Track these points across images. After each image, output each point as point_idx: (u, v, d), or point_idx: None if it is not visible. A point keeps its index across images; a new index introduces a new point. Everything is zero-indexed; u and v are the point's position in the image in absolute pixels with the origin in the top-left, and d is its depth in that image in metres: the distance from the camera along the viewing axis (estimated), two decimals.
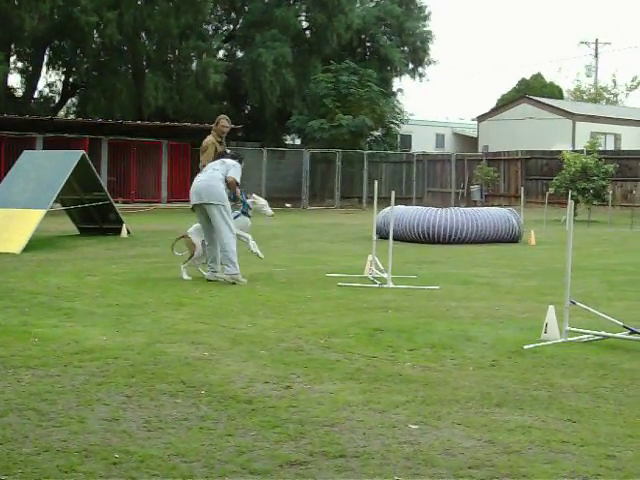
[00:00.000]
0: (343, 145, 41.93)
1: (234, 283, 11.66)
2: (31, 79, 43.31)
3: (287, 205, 39.88)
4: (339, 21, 43.00)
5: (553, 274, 13.19)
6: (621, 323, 7.94)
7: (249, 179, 32.69)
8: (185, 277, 12.05)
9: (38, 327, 8.23)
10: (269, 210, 12.97)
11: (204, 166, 12.98)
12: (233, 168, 12.13)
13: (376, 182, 13.85)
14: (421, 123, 56.45)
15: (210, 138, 13.55)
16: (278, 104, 42.73)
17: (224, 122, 13.65)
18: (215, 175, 12.04)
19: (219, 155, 12.76)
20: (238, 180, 12.17)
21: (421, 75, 50.00)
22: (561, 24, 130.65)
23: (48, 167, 18.56)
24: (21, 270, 13.10)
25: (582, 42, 78.25)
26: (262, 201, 12.80)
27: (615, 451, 4.79)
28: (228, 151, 13.08)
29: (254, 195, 13.01)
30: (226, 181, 11.99)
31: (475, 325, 8.64)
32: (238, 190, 12.29)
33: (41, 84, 45.47)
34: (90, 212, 20.64)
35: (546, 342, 7.72)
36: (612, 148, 46.68)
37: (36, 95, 44.60)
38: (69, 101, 46.81)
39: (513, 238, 20.08)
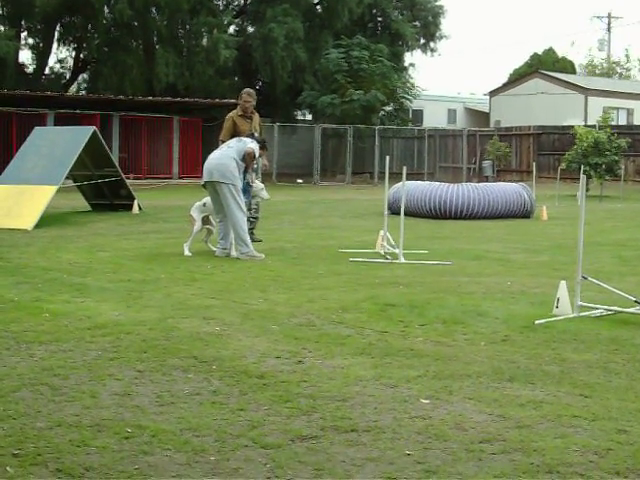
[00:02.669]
0: (354, 120, 41.83)
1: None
2: (42, 55, 43.27)
3: (298, 181, 39.85)
4: None
5: (565, 249, 13.17)
6: (633, 298, 7.93)
7: None
8: (186, 253, 12.04)
9: (50, 303, 8.26)
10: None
11: (222, 141, 12.97)
12: (251, 144, 12.07)
13: (387, 157, 13.82)
14: (433, 98, 56.17)
15: (231, 113, 13.51)
16: (289, 79, 42.58)
17: (245, 96, 13.55)
18: (229, 153, 12.00)
19: (249, 135, 12.69)
20: (257, 154, 12.16)
21: (433, 50, 49.78)
22: None
23: (59, 143, 18.57)
24: (33, 246, 13.13)
25: (595, 16, 77.90)
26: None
27: (627, 426, 4.79)
28: (255, 134, 12.92)
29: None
30: (243, 158, 11.93)
31: (487, 300, 8.64)
32: (254, 166, 12.28)
33: (52, 60, 45.49)
34: (101, 188, 20.66)
35: (558, 317, 7.71)
36: (625, 123, 46.47)
37: (47, 71, 44.59)
38: (80, 77, 46.75)
39: (525, 213, 20.04)
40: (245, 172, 12.12)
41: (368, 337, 6.94)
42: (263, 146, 12.58)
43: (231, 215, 11.84)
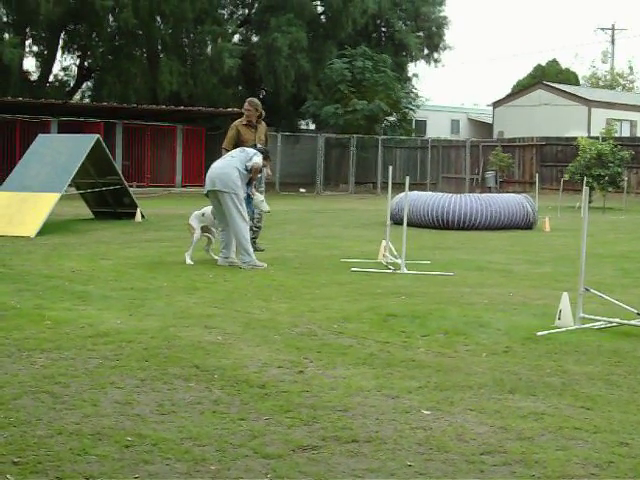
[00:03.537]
0: (358, 130, 41.88)
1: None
2: (46, 63, 43.36)
3: (301, 190, 39.89)
4: (355, 6, 42.86)
5: (567, 261, 13.16)
6: (635, 310, 7.91)
7: None
8: (188, 262, 12.05)
9: (52, 310, 8.26)
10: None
11: (225, 149, 13.00)
12: (255, 156, 12.10)
13: (390, 168, 13.81)
14: (436, 109, 56.32)
15: (236, 121, 13.52)
16: (293, 89, 42.65)
17: (246, 105, 13.54)
18: (232, 162, 12.02)
19: (252, 146, 12.74)
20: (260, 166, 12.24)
21: (436, 60, 49.91)
22: (578, 10, 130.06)
23: (63, 151, 18.59)
24: (35, 253, 13.14)
25: (599, 28, 77.98)
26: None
27: (628, 438, 4.78)
28: (259, 146, 12.93)
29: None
30: (246, 169, 11.97)
31: (489, 311, 8.63)
32: (258, 175, 12.38)
33: (56, 68, 45.62)
34: (104, 196, 20.68)
35: (560, 329, 7.70)
36: (628, 135, 46.50)
37: (51, 79, 44.68)
38: (84, 85, 46.87)
39: (527, 224, 20.03)
40: (248, 184, 12.14)
41: (370, 347, 6.93)
42: (266, 156, 12.61)
43: (233, 224, 11.85)
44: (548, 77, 56.89)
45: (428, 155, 44.72)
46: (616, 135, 36.27)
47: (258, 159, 12.10)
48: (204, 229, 12.53)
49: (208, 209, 12.47)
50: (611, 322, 7.89)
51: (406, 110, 45.88)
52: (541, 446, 4.64)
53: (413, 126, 49.30)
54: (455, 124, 58.28)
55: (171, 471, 4.24)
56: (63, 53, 44.26)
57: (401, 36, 46.92)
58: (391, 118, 45.39)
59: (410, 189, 13.86)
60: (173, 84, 39.67)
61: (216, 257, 12.31)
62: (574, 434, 4.85)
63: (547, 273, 11.94)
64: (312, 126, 48.60)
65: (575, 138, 34.10)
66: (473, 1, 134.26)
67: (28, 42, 42.54)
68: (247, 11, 47.24)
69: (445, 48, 49.72)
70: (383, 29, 48.99)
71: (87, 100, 44.59)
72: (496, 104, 53.71)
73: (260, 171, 12.32)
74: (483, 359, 6.60)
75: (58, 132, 33.46)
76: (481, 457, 4.47)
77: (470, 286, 10.44)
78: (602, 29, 78.44)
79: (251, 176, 12.09)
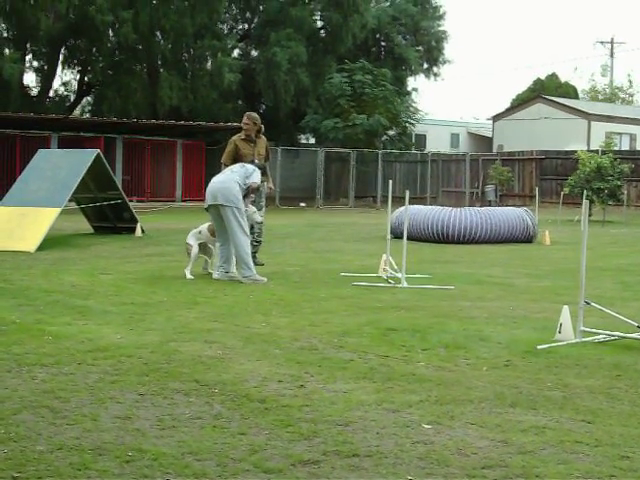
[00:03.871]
0: (357, 144, 41.92)
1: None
2: (46, 78, 43.43)
3: (301, 204, 39.90)
4: (354, 20, 42.97)
5: (567, 274, 13.15)
6: (636, 324, 7.91)
7: None
8: (188, 277, 12.04)
9: (52, 325, 8.25)
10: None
11: (225, 164, 13.01)
12: (254, 173, 12.14)
13: (390, 182, 13.82)
14: (436, 123, 56.36)
15: (235, 136, 13.52)
16: (292, 103, 42.72)
17: (244, 119, 13.53)
18: (232, 177, 12.05)
19: (251, 161, 12.78)
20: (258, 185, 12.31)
21: (436, 75, 50.07)
22: (576, 23, 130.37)
23: (63, 166, 18.60)
24: (35, 268, 13.13)
25: (598, 41, 78.15)
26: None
27: (629, 452, 4.77)
28: (256, 161, 12.95)
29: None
30: (245, 184, 12.00)
31: (489, 325, 8.62)
32: (253, 196, 12.46)
33: (56, 83, 45.68)
34: (104, 211, 20.68)
35: (560, 342, 7.69)
36: (627, 148, 46.55)
37: (51, 94, 44.74)
38: (84, 100, 46.96)
39: (527, 238, 20.03)
40: (244, 198, 12.16)
41: (370, 361, 6.92)
42: (263, 172, 12.65)
43: (234, 238, 11.86)
44: (547, 91, 56.98)
45: (428, 169, 44.76)
46: (615, 148, 36.34)
47: (257, 176, 12.15)
48: (201, 246, 12.53)
49: (204, 226, 12.50)
50: (612, 335, 7.88)
51: (406, 124, 45.95)
52: (542, 460, 4.63)
53: (413, 140, 49.35)
54: (455, 138, 58.33)
55: None
56: (63, 68, 44.41)
57: (400, 50, 47.04)
58: (391, 132, 45.44)
59: (410, 203, 13.87)
60: (173, 99, 39.74)
61: (213, 271, 12.31)
62: (575, 448, 4.84)
63: (547, 286, 11.94)
64: (312, 140, 48.67)
65: (575, 151, 34.11)
66: (472, 15, 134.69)
67: (28, 57, 42.63)
68: (247, 26, 47.35)
69: (444, 62, 49.92)
70: (383, 43, 49.10)
71: (87, 115, 44.69)
72: (496, 118, 53.80)
73: (257, 189, 12.38)
74: (484, 373, 6.59)
75: (58, 147, 33.51)
76: (482, 471, 4.46)
77: (470, 300, 10.44)
78: (601, 43, 78.60)
79: (250, 192, 12.14)
